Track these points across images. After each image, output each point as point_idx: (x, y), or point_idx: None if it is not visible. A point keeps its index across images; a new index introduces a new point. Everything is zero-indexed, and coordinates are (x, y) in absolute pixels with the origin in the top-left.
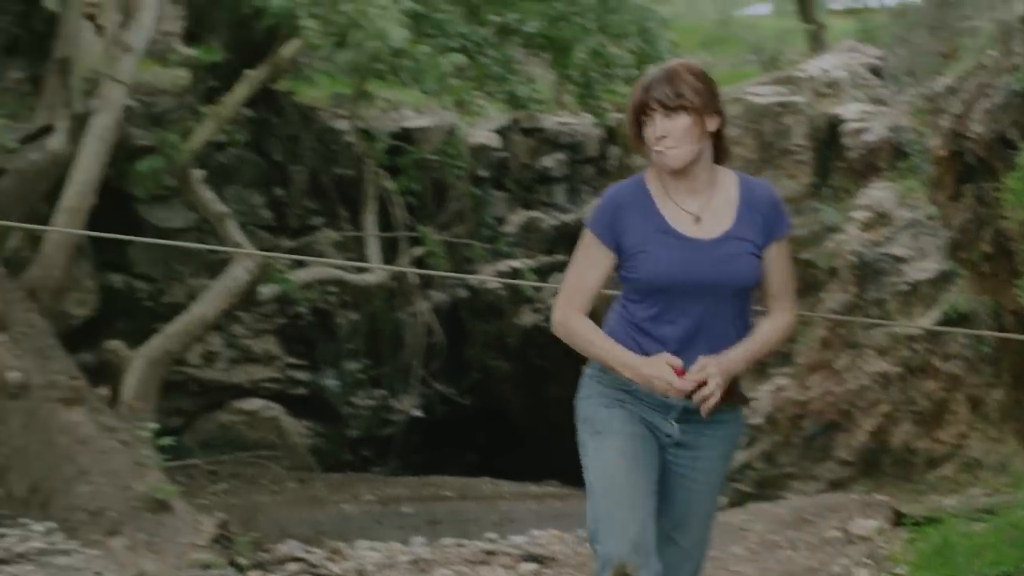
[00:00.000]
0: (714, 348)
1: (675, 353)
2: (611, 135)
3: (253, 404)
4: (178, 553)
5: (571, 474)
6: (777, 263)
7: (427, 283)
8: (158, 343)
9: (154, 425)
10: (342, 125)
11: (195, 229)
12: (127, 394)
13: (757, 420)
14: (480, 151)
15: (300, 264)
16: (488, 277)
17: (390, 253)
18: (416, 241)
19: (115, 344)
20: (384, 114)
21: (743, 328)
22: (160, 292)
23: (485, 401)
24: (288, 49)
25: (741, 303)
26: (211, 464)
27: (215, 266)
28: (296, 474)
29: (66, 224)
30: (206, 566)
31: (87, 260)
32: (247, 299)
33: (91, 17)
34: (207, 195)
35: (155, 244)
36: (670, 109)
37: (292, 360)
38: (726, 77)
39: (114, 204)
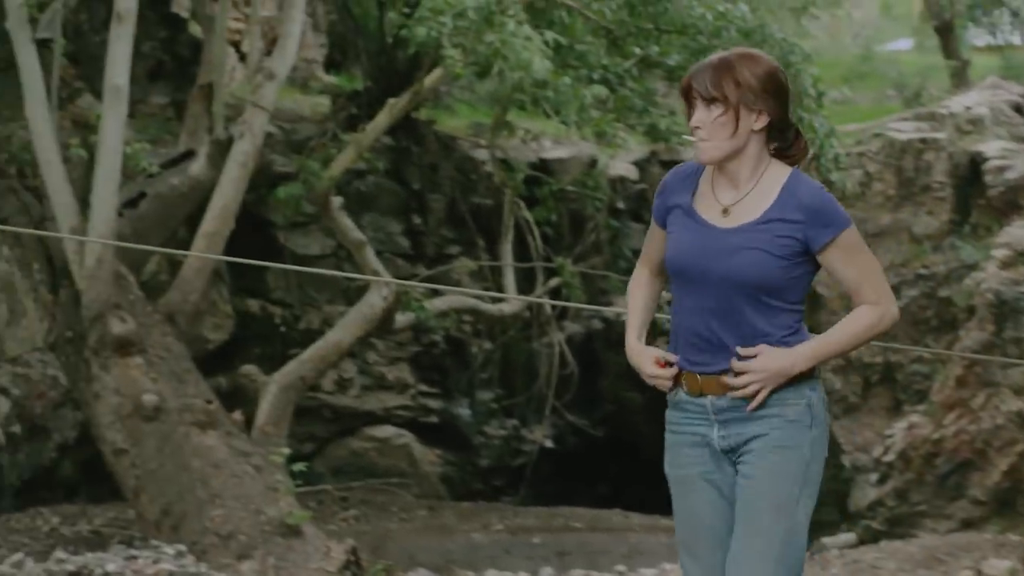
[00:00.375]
0: (729, 343)
1: (690, 342)
2: None
3: (385, 431)
4: None
5: None
6: (841, 265)
7: (562, 314)
8: (292, 369)
9: (286, 450)
10: (481, 154)
11: (332, 256)
12: (260, 419)
13: (890, 457)
14: (618, 183)
15: (436, 292)
16: (624, 310)
17: (526, 283)
18: (552, 272)
19: (250, 369)
20: (523, 144)
21: (779, 331)
22: (296, 318)
23: (617, 432)
24: (430, 78)
25: (765, 302)
26: (342, 490)
27: (351, 293)
28: (426, 502)
29: (205, 249)
30: None
31: (224, 285)
32: (382, 327)
33: (235, 44)
34: (346, 222)
35: (292, 270)
36: (707, 100)
37: (425, 388)
38: (867, 112)
39: (253, 230)
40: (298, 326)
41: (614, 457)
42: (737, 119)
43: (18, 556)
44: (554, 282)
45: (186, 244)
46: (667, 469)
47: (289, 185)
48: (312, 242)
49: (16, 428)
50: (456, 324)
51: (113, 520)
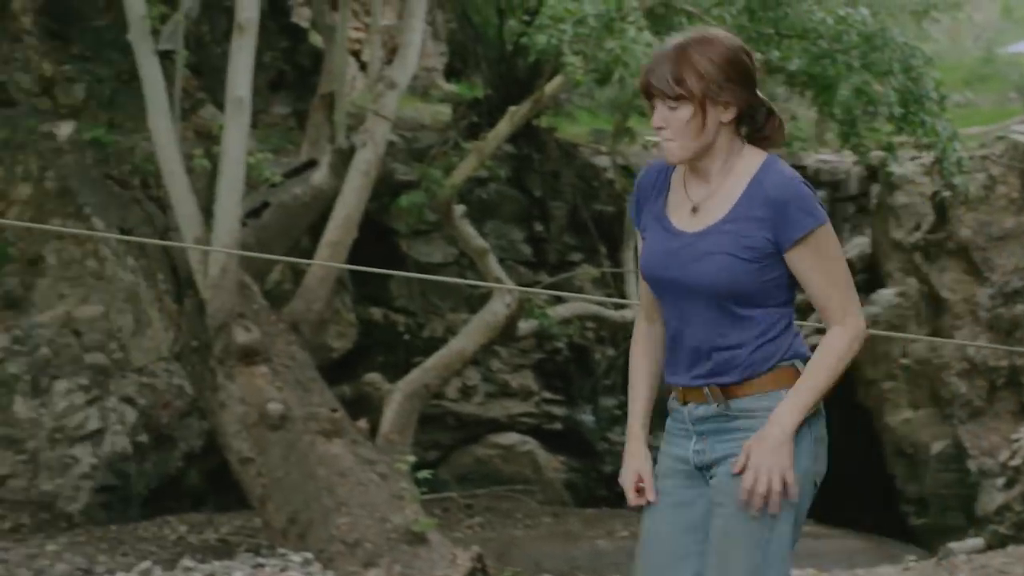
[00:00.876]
0: (699, 359)
1: (666, 357)
2: (873, 173)
3: (509, 438)
4: None
5: (827, 511)
6: (805, 269)
7: None
8: (416, 376)
9: (411, 458)
10: (602, 161)
11: (455, 264)
12: (385, 427)
13: (1016, 461)
14: None
15: (558, 299)
16: None
17: None
18: None
19: (374, 377)
20: (644, 151)
21: (755, 339)
22: (419, 326)
23: None
24: (551, 85)
25: (736, 312)
26: (467, 498)
27: (474, 301)
28: (550, 509)
29: (328, 258)
30: None
31: (348, 293)
32: (505, 334)
33: (355, 53)
34: (468, 230)
35: (415, 278)
36: (669, 98)
37: (548, 395)
38: (989, 115)
39: (375, 238)
40: (421, 334)
41: None
42: (704, 114)
43: (146, 564)
44: None
45: (309, 253)
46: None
47: (411, 193)
48: (435, 250)
49: (143, 437)
50: (579, 331)
51: (240, 528)
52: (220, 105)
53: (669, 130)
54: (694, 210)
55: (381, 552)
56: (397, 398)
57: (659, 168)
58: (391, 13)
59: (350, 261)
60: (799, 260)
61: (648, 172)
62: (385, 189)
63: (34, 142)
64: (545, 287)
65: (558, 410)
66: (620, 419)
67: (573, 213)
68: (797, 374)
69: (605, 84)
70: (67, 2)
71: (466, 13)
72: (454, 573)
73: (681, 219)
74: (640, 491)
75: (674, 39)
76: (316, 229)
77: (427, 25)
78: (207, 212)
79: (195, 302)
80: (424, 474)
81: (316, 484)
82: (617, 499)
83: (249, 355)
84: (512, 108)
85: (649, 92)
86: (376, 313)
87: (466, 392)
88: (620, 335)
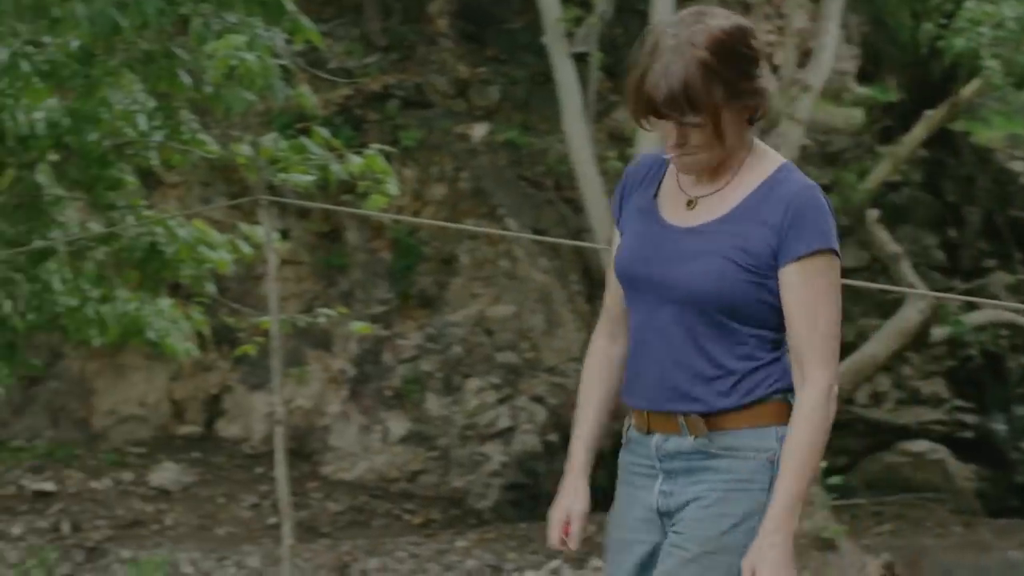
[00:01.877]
0: (672, 380)
1: (627, 374)
2: None
3: (919, 446)
4: None
5: None
6: (798, 293)
7: None
8: None
9: (822, 463)
10: (1018, 166)
11: (867, 269)
12: None
13: None
14: None
15: (972, 306)
16: None
17: None
18: None
19: None
20: None
21: (745, 363)
22: None
23: None
24: (967, 89)
25: (726, 325)
26: (876, 505)
27: (886, 306)
28: (961, 518)
29: None
30: None
31: None
32: (918, 340)
33: (768, 57)
34: (881, 235)
35: None
36: (684, 120)
37: (960, 403)
38: None
39: None
40: None
41: None
42: (721, 122)
43: (555, 563)
44: None
45: None
46: (609, 526)
47: (830, 197)
48: (847, 255)
49: (552, 436)
50: (993, 338)
51: None
52: None
53: (689, 146)
54: (690, 204)
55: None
56: None
57: (654, 158)
58: (803, 16)
59: None
60: (792, 282)
61: (642, 162)
62: None
63: (449, 143)
64: (959, 293)
65: (970, 418)
66: None
67: (988, 218)
68: (789, 409)
69: (1023, 88)
70: (482, 5)
71: (880, 16)
72: None
73: (673, 212)
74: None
75: (669, 37)
76: None
77: (840, 28)
78: None
79: None
80: (834, 480)
81: None
82: None
83: None
84: (927, 112)
85: (658, 114)
86: None
87: (877, 398)
88: None
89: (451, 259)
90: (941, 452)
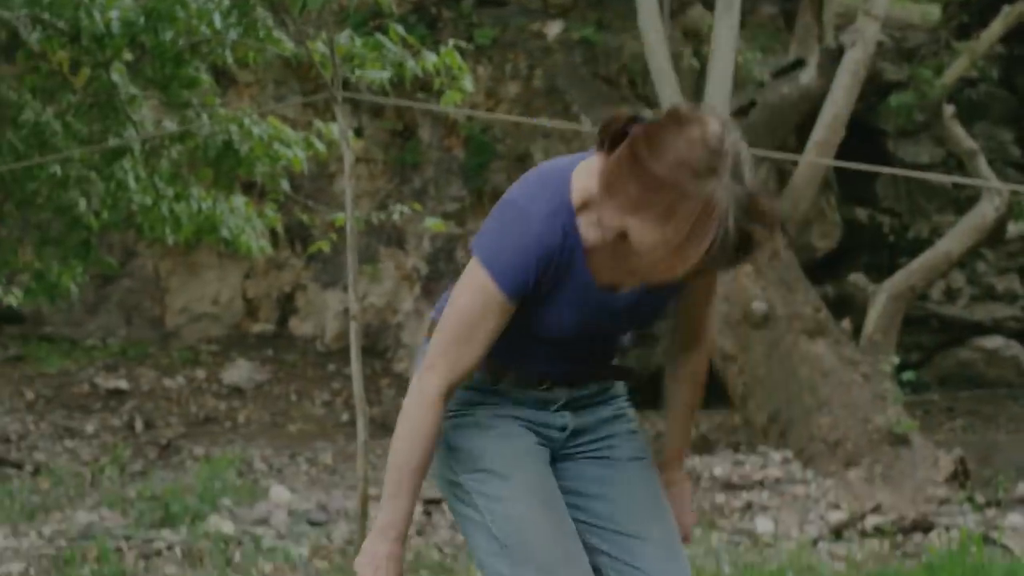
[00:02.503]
0: (586, 369)
1: (537, 379)
2: None
3: (993, 342)
4: (915, 487)
5: None
6: (706, 284)
7: None
8: (901, 278)
9: (895, 359)
10: None
11: (942, 165)
12: (869, 328)
13: None
14: None
15: None
16: None
17: None
18: None
19: (857, 277)
20: None
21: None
22: (904, 227)
23: None
24: None
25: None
26: (948, 400)
27: (961, 203)
28: None
29: (815, 157)
30: (942, 502)
31: (833, 194)
32: (993, 236)
33: None
34: (958, 131)
35: (901, 178)
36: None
37: None
38: None
39: (862, 138)
40: (907, 235)
41: None
42: None
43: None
44: None
45: (795, 153)
46: (480, 440)
47: (901, 93)
48: (922, 151)
49: None
50: None
51: (719, 425)
52: (709, 5)
53: None
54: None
55: (862, 452)
56: (881, 299)
57: (560, 232)
58: None
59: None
60: (703, 279)
61: (548, 238)
62: (873, 89)
63: (524, 41)
64: None
65: None
66: None
67: None
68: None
69: None
70: None
71: None
72: (936, 475)
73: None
74: None
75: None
76: (803, 129)
77: None
78: None
79: None
80: (907, 375)
81: (798, 383)
82: None
83: None
84: (1005, 7)
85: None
86: (861, 214)
87: (951, 294)
88: None
89: (524, 156)
90: (1015, 348)
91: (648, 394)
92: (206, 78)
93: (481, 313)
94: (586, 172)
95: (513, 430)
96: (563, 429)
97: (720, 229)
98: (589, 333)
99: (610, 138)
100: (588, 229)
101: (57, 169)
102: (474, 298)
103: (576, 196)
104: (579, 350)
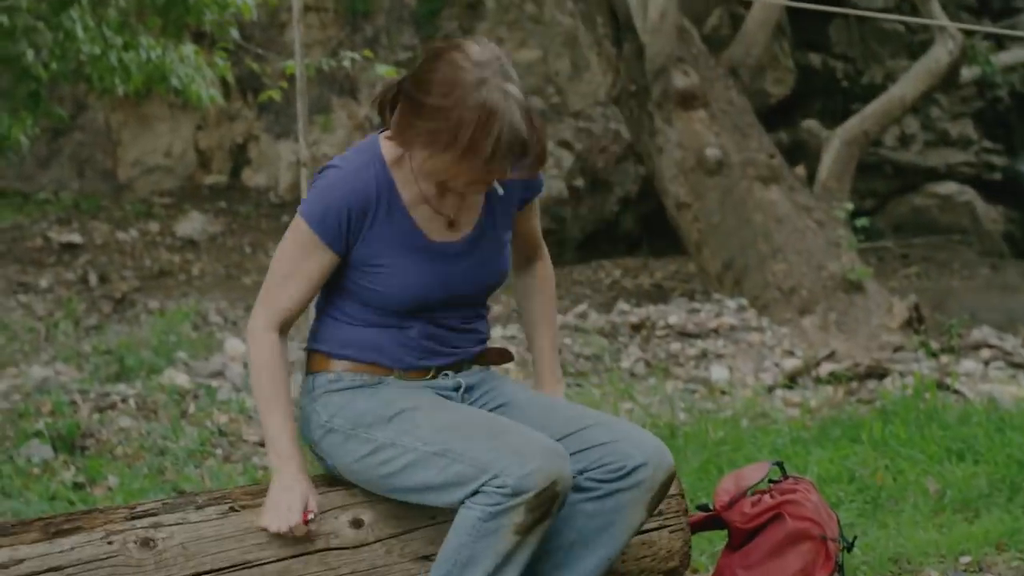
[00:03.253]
0: (463, 342)
1: (415, 355)
2: None
3: (947, 188)
4: (869, 334)
5: None
6: (531, 217)
7: None
8: (855, 123)
9: (849, 206)
10: None
11: (895, 10)
12: (823, 174)
13: None
14: None
15: (1002, 46)
16: None
17: None
18: None
19: (811, 124)
20: None
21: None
22: (858, 72)
23: None
24: None
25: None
26: (903, 247)
27: (915, 47)
28: (988, 260)
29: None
30: (897, 348)
31: (786, 39)
32: (946, 81)
33: None
34: None
35: (855, 23)
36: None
37: (988, 144)
38: None
39: None
40: (860, 80)
41: None
42: None
43: (582, 307)
44: None
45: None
46: (370, 402)
47: None
48: None
49: (579, 182)
50: (1022, 79)
51: (674, 273)
52: None
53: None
54: (451, 224)
55: (817, 299)
56: (835, 145)
57: (370, 180)
58: None
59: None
60: (528, 215)
61: (356, 186)
62: None
63: None
64: (988, 33)
65: (998, 159)
66: None
67: None
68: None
69: None
70: None
71: None
72: (891, 322)
73: (440, 233)
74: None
75: (506, 88)
76: None
77: None
78: None
79: (634, 46)
80: (861, 222)
81: (753, 230)
82: None
83: (687, 99)
84: None
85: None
86: (815, 59)
87: (904, 140)
88: None
89: (476, 3)
90: (969, 194)
91: None
92: None
93: (300, 253)
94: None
95: (410, 390)
96: (457, 388)
97: (506, 125)
98: (446, 296)
99: (389, 106)
100: (405, 187)
101: (3, 19)
102: (293, 241)
103: (386, 152)
104: (448, 322)
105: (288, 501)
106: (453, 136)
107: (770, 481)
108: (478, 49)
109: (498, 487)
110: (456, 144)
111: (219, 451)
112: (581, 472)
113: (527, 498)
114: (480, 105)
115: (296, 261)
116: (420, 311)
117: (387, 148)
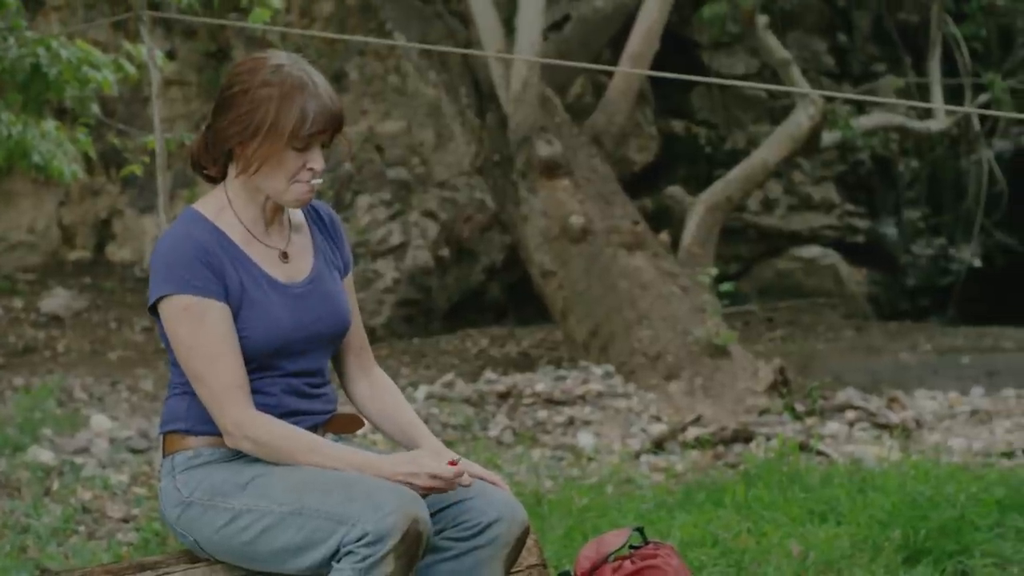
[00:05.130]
0: (313, 414)
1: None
2: None
3: (811, 251)
4: (735, 398)
5: None
6: (354, 300)
7: (991, 131)
8: (718, 189)
9: (714, 271)
10: None
11: (757, 76)
12: (687, 240)
13: None
14: None
15: (862, 111)
16: None
17: (954, 100)
18: (981, 88)
19: (675, 190)
20: None
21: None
22: (721, 138)
23: None
24: None
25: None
26: (768, 311)
27: (776, 113)
28: (853, 322)
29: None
30: (763, 411)
31: (649, 106)
32: (808, 146)
33: None
34: (771, 41)
35: (717, 90)
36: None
37: (851, 207)
38: None
39: (677, 51)
40: (723, 146)
41: None
42: None
43: (449, 376)
44: (983, 98)
45: (610, 67)
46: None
47: (714, 4)
48: (736, 62)
49: (444, 252)
50: (883, 142)
51: (541, 341)
52: None
53: (319, 171)
54: (284, 256)
55: (683, 364)
56: (699, 210)
57: (202, 232)
58: None
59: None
60: (351, 290)
61: (193, 237)
62: (687, 1)
63: None
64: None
65: (861, 223)
66: (923, 232)
67: (877, 23)
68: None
69: None
70: None
71: None
72: (756, 386)
73: (280, 272)
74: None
75: (317, 83)
76: (617, 43)
77: None
78: (508, 25)
79: (497, 116)
80: (726, 287)
81: (618, 297)
82: (919, 312)
83: (551, 168)
84: None
85: (327, 133)
86: (678, 126)
87: (768, 205)
88: (925, 146)
89: (340, 75)
90: (832, 257)
91: None
92: (13, 0)
93: (199, 327)
94: (207, 198)
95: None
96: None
97: (309, 94)
98: (305, 336)
99: (202, 155)
100: (233, 231)
101: None
102: (183, 323)
103: (206, 211)
104: (301, 387)
105: (418, 457)
106: (260, 114)
107: (631, 547)
108: (281, 53)
109: (358, 539)
110: (265, 122)
111: (82, 528)
112: (439, 532)
113: (392, 544)
114: (281, 82)
115: (204, 336)
116: (284, 356)
117: (203, 208)
